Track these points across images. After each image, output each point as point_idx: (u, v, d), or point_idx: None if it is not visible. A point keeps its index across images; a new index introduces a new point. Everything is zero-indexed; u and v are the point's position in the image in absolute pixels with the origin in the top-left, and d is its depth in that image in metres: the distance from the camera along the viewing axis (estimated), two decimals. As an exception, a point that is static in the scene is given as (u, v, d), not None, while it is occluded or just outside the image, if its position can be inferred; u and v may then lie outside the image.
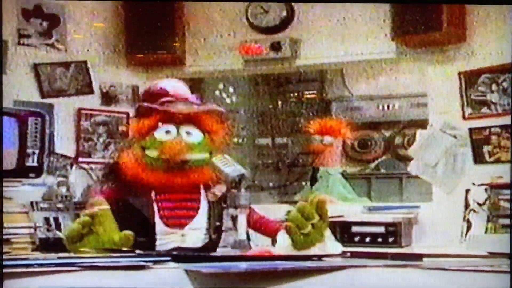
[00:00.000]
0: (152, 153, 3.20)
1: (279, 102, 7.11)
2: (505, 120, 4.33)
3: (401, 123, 6.75)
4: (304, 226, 2.94)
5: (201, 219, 3.21)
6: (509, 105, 4.35)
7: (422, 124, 4.92)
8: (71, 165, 4.98)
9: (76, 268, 2.41)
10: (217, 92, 6.95)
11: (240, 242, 2.89)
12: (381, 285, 2.42)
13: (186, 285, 2.40)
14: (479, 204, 4.25)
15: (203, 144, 3.26)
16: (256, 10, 5.01)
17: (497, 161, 4.40)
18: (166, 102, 3.27)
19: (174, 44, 5.05)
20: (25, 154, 3.63)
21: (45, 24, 4.95)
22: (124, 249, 2.88)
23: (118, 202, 3.16)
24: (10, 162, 3.55)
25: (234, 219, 2.93)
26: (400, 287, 2.41)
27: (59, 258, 2.68)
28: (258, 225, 3.28)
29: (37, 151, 3.66)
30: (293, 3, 4.96)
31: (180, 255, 2.77)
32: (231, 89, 7.09)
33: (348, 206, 4.84)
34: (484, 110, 4.46)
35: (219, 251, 3.09)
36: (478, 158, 4.46)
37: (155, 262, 2.53)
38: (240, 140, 6.90)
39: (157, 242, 3.14)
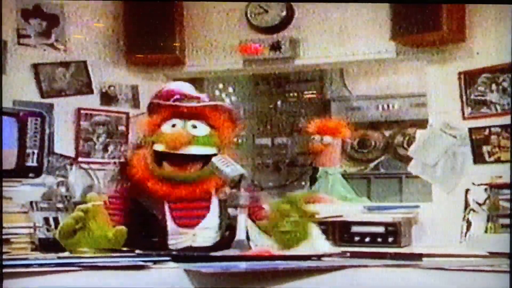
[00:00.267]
0: (159, 147, 3.21)
1: (279, 102, 7.12)
2: (504, 120, 4.33)
3: (400, 123, 6.75)
4: (279, 223, 2.96)
5: (212, 218, 3.20)
6: (508, 104, 4.35)
7: (422, 124, 4.92)
8: (71, 165, 4.98)
9: (76, 268, 2.41)
10: (216, 92, 6.96)
11: (239, 242, 2.88)
12: (381, 285, 2.42)
13: (186, 285, 2.40)
14: (479, 204, 4.26)
15: (209, 138, 3.25)
16: (256, 10, 5.01)
17: (497, 161, 4.40)
18: (178, 100, 3.28)
19: (174, 44, 5.05)
20: (24, 154, 3.62)
21: (44, 24, 4.95)
22: (124, 249, 2.88)
23: (130, 202, 3.17)
24: (9, 162, 3.55)
25: (233, 219, 2.93)
26: (400, 287, 2.41)
27: (58, 258, 2.68)
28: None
29: (36, 151, 3.66)
30: (293, 3, 4.96)
31: (180, 255, 2.77)
32: (230, 89, 7.10)
33: (348, 206, 4.83)
34: (484, 110, 4.46)
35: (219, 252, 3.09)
36: (478, 158, 4.46)
37: (155, 262, 2.53)
38: (240, 140, 6.91)
39: (169, 242, 3.14)
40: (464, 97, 4.52)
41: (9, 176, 3.49)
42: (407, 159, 4.86)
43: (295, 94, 7.08)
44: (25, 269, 2.39)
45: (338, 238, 4.40)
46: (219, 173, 2.99)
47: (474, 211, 4.30)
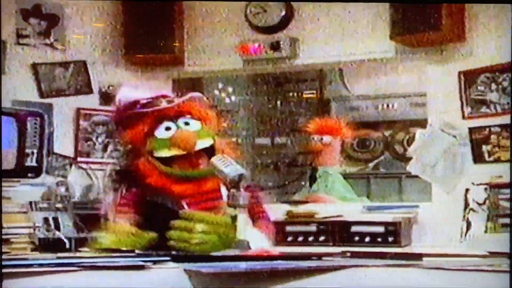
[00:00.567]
0: (161, 153, 3.19)
1: (278, 102, 7.12)
2: (504, 119, 4.32)
3: (400, 122, 6.76)
4: (190, 239, 2.96)
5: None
6: (508, 104, 4.34)
7: (422, 123, 4.92)
8: (70, 165, 4.98)
9: (76, 268, 2.40)
10: (216, 92, 6.96)
11: (239, 242, 2.88)
12: (380, 285, 2.42)
13: (186, 285, 2.40)
14: (479, 204, 4.26)
15: (204, 130, 3.25)
16: (255, 10, 5.01)
17: (497, 160, 4.39)
18: (146, 104, 3.25)
19: (173, 44, 5.05)
20: (24, 154, 3.63)
21: (44, 24, 4.95)
22: (124, 249, 2.88)
23: (144, 205, 3.16)
24: (9, 162, 3.55)
25: (233, 219, 2.93)
26: (400, 287, 2.41)
27: (58, 258, 2.68)
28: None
29: (36, 151, 3.66)
30: (292, 3, 4.96)
31: (180, 255, 2.77)
32: (230, 89, 7.10)
33: (348, 206, 4.84)
34: (484, 109, 4.46)
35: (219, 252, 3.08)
36: (478, 158, 4.46)
37: (155, 262, 2.53)
38: (240, 140, 6.91)
39: None
40: (464, 97, 4.51)
41: (8, 176, 3.49)
42: (407, 159, 4.86)
43: (295, 94, 7.09)
44: (24, 269, 2.38)
45: (338, 238, 4.40)
46: (219, 173, 2.98)
47: (474, 211, 4.30)
